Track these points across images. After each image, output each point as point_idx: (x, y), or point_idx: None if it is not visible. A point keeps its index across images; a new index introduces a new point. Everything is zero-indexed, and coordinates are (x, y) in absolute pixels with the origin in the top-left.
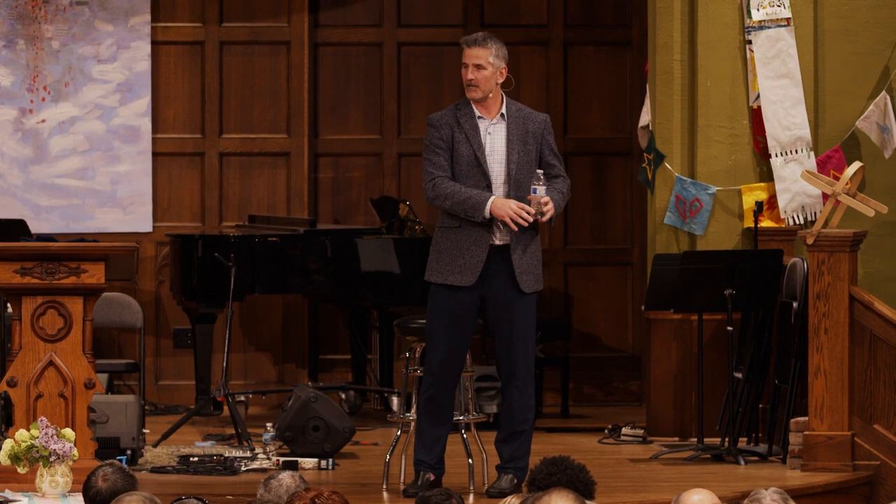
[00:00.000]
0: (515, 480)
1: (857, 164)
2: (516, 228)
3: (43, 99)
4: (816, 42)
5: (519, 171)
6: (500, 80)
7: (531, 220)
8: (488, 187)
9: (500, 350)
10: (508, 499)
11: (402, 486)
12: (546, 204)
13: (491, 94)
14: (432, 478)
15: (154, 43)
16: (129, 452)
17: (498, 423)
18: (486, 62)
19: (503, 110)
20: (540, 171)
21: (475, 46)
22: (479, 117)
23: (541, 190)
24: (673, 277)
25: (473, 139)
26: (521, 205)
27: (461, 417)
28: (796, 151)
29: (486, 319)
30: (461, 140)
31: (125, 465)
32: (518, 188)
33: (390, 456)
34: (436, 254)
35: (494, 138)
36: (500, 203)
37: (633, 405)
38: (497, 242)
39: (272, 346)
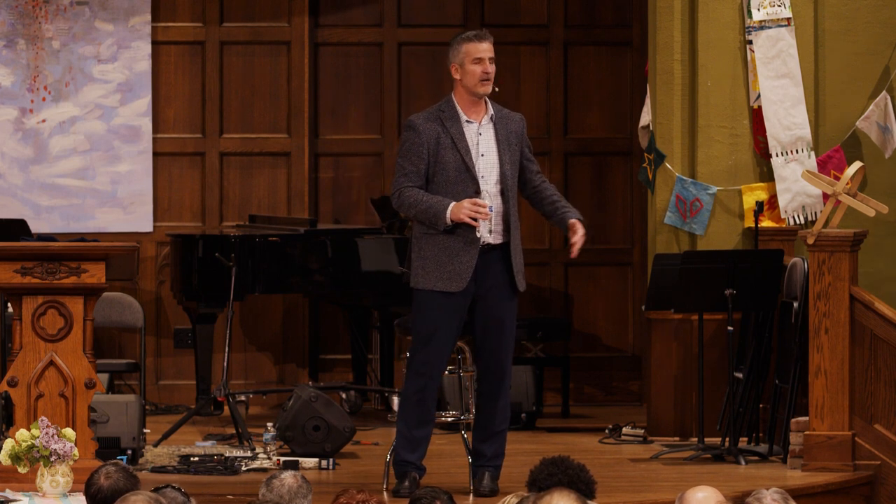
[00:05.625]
0: (496, 477)
1: (857, 164)
2: (479, 225)
3: (43, 99)
4: (817, 42)
5: (512, 172)
6: None
7: (487, 213)
8: (477, 192)
9: (491, 349)
10: (508, 498)
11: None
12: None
13: None
14: (417, 477)
15: (154, 43)
16: (129, 452)
17: (478, 424)
18: (492, 57)
19: (491, 111)
20: None
21: (487, 41)
22: (467, 121)
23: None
24: (673, 277)
25: (460, 143)
26: (474, 200)
27: (462, 417)
28: (797, 151)
29: (472, 318)
30: (447, 146)
31: (127, 465)
32: (510, 189)
33: (391, 456)
34: (421, 261)
35: (486, 140)
36: (456, 208)
37: (633, 405)
38: (491, 241)
39: (272, 346)
